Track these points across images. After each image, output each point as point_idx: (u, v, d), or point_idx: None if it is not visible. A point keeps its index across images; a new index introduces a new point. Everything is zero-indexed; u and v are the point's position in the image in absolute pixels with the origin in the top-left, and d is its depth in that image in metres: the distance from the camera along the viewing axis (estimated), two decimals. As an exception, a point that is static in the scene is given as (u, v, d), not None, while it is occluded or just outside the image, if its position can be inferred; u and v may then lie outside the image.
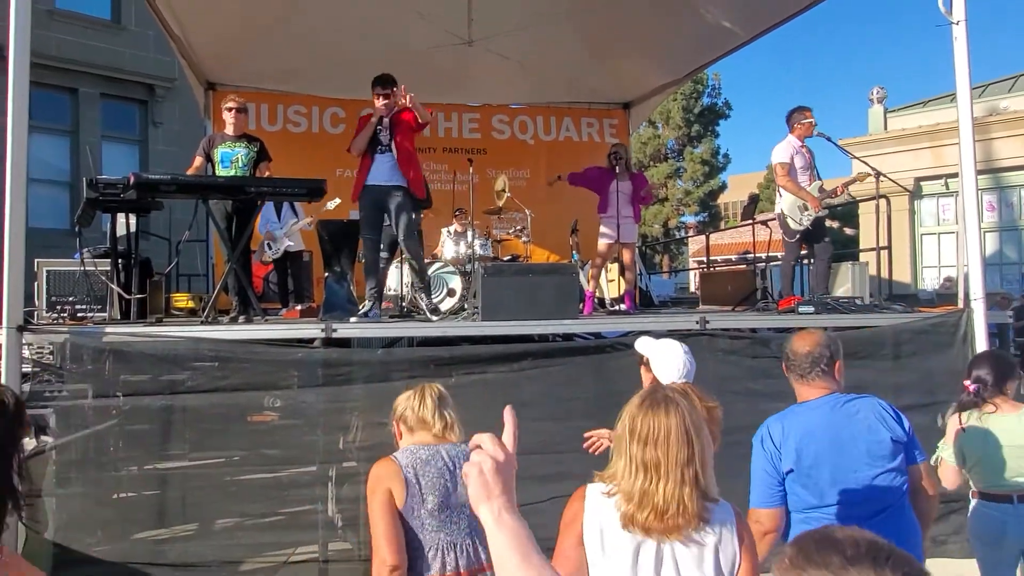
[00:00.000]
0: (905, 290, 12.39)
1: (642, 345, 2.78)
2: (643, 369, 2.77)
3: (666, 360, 2.65)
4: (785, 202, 6.03)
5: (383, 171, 5.38)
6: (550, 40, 7.85)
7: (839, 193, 6.28)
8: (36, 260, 5.30)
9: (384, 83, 5.38)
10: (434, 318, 5.27)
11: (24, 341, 3.87)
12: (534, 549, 1.08)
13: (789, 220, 6.01)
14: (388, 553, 2.30)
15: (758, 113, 76.65)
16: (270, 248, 6.89)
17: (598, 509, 1.82)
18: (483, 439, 1.15)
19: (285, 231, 6.88)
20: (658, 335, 5.17)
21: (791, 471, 2.53)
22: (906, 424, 2.58)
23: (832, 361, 2.63)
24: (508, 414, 1.21)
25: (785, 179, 5.96)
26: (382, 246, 5.63)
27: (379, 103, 5.37)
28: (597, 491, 1.85)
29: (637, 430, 1.78)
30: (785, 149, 6.03)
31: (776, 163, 6.06)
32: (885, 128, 14.13)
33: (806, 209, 5.90)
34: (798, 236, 5.99)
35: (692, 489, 1.73)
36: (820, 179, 6.16)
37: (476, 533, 2.44)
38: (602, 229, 6.69)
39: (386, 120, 5.43)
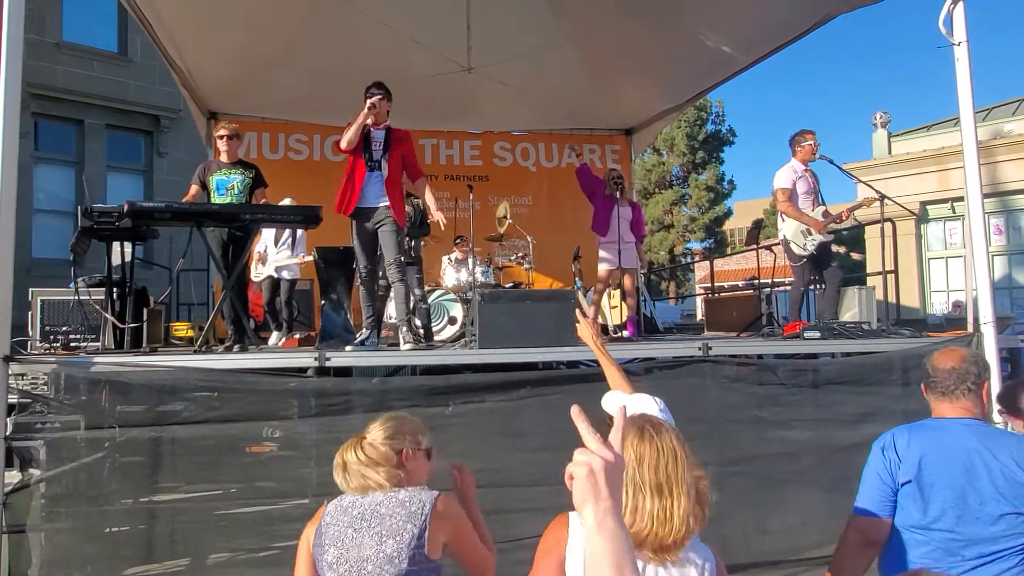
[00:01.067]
0: (913, 315, 12.24)
1: (610, 401, 2.39)
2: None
3: (641, 404, 2.33)
4: (788, 227, 5.96)
5: (373, 191, 5.20)
6: (550, 66, 7.87)
7: (844, 219, 6.21)
8: (31, 289, 5.25)
9: (379, 86, 5.24)
10: (404, 347, 5.09)
11: (15, 371, 3.80)
12: (629, 562, 1.03)
13: (792, 245, 5.94)
14: None
15: (763, 140, 77.02)
16: (255, 268, 6.92)
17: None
18: (589, 439, 1.09)
19: (274, 262, 6.91)
20: (660, 361, 5.12)
21: (908, 482, 2.36)
22: None
23: (980, 381, 2.47)
24: (578, 416, 1.13)
25: (786, 204, 5.90)
26: (381, 272, 5.55)
27: (369, 100, 5.14)
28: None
29: (639, 456, 1.74)
30: (786, 174, 5.97)
31: (777, 188, 6.00)
32: (889, 152, 14.11)
33: (810, 234, 5.82)
34: (804, 261, 5.90)
35: (696, 507, 1.71)
36: (825, 204, 6.09)
37: None
38: (602, 254, 6.64)
39: (380, 133, 5.27)
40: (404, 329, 5.19)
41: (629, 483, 1.73)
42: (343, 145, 5.15)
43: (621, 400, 2.54)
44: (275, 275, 6.97)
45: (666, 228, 29.86)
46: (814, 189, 6.05)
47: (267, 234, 7.08)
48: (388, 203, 5.17)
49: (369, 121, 5.15)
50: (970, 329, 4.92)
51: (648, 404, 2.46)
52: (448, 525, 2.14)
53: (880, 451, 2.47)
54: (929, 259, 13.68)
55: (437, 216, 5.36)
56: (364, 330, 5.24)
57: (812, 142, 6.01)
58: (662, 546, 1.68)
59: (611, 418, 2.51)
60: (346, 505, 2.16)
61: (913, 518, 2.36)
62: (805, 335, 5.22)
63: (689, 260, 30.29)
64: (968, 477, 2.31)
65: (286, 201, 6.85)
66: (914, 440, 2.41)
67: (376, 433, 2.26)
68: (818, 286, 6.22)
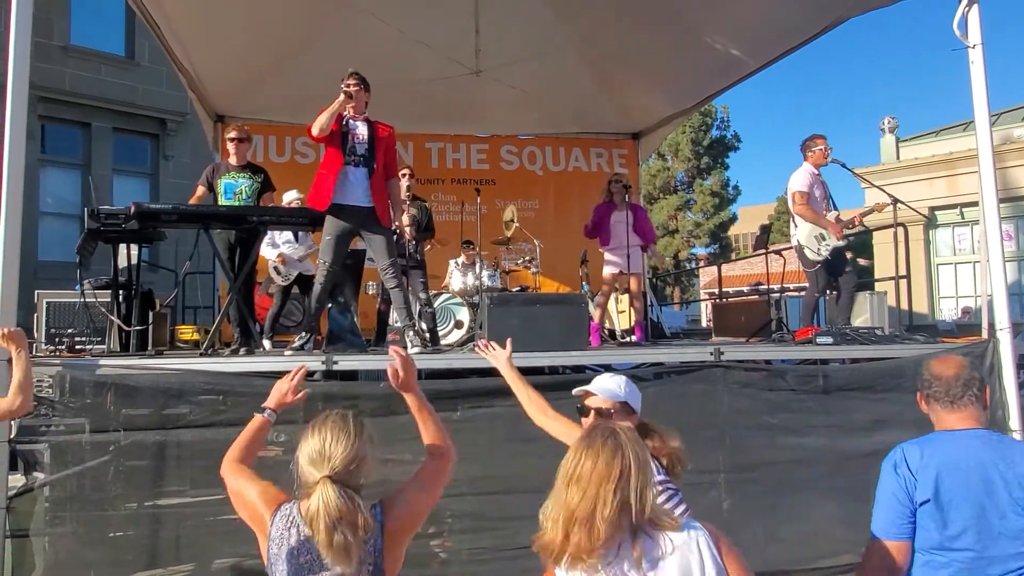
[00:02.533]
0: (922, 321, 12.17)
1: (577, 391, 2.65)
2: (583, 420, 2.61)
3: (601, 382, 2.59)
4: (802, 232, 5.87)
5: (357, 189, 4.91)
6: (558, 70, 7.84)
7: (857, 224, 6.15)
8: (36, 292, 5.23)
9: (356, 75, 4.97)
10: (412, 351, 4.95)
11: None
12: None
13: (807, 251, 5.85)
14: None
15: (768, 145, 76.89)
16: (279, 273, 6.59)
17: None
18: None
19: (299, 256, 6.72)
20: (669, 366, 5.07)
21: (926, 502, 2.25)
22: None
23: (983, 387, 2.40)
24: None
25: (804, 207, 5.79)
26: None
27: (345, 89, 4.88)
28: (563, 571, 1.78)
29: (568, 470, 1.78)
30: (803, 177, 5.88)
31: (795, 191, 5.90)
32: (897, 157, 14.05)
33: (824, 239, 5.75)
34: (818, 266, 5.82)
35: (615, 510, 1.69)
36: (837, 209, 6.03)
37: None
38: (608, 257, 6.59)
39: (362, 127, 5.01)
40: (411, 333, 5.09)
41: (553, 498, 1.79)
42: (315, 131, 4.81)
43: (612, 382, 2.59)
44: (305, 272, 6.62)
45: (671, 233, 29.81)
46: (826, 194, 5.99)
47: (275, 238, 6.90)
48: (374, 205, 4.94)
49: (347, 112, 4.93)
50: (985, 335, 4.86)
51: (610, 381, 2.60)
52: (404, 535, 2.02)
53: (892, 470, 2.35)
54: (938, 265, 13.59)
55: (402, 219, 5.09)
56: (303, 334, 4.95)
57: (823, 147, 5.94)
58: (591, 544, 1.69)
59: (581, 405, 2.63)
60: (294, 545, 1.92)
61: (933, 539, 2.26)
62: (817, 340, 5.17)
63: (694, 265, 30.21)
64: (987, 492, 2.23)
65: (292, 193, 6.74)
66: (927, 456, 2.30)
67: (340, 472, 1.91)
68: (830, 292, 6.15)
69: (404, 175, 6.24)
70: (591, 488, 1.72)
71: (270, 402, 2.47)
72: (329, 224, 4.94)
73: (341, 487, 1.86)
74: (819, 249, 5.76)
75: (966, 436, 2.33)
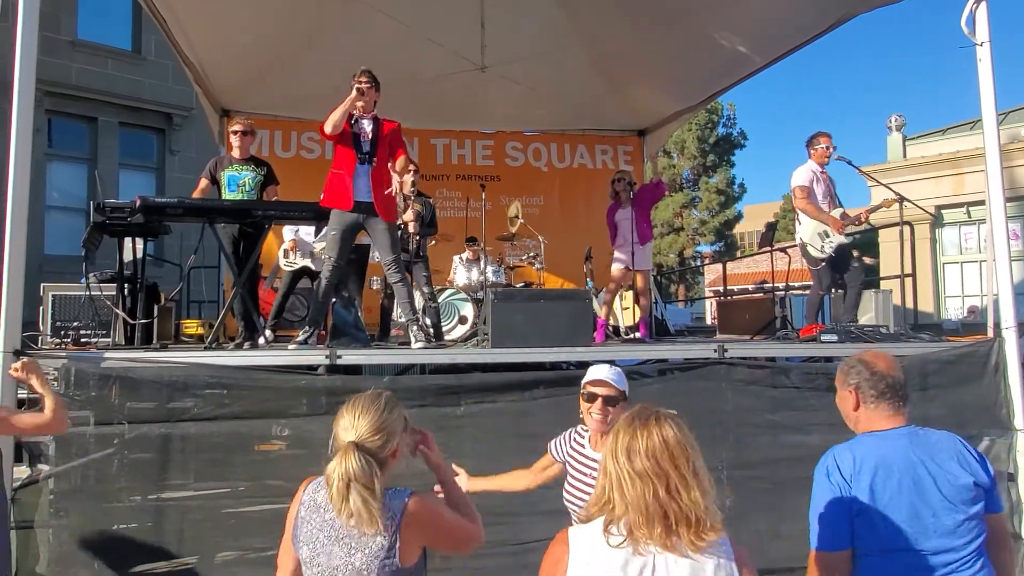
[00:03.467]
0: (928, 320, 12.13)
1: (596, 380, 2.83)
2: (585, 406, 2.83)
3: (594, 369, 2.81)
4: (805, 230, 5.88)
5: (362, 184, 4.92)
6: (564, 66, 7.82)
7: (863, 220, 6.13)
8: (42, 285, 5.25)
9: (368, 73, 5.00)
10: (416, 345, 4.97)
11: (23, 366, 3.79)
12: None
13: (810, 248, 5.86)
14: None
15: (774, 143, 76.70)
16: (285, 256, 6.52)
17: (585, 548, 1.74)
18: None
19: (312, 249, 6.56)
20: (673, 363, 5.06)
21: (863, 509, 2.22)
22: (990, 469, 2.32)
23: (907, 387, 2.38)
24: None
25: (804, 202, 5.83)
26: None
27: (358, 86, 4.90)
28: (583, 532, 1.77)
29: (634, 447, 1.73)
30: (804, 173, 5.92)
31: (795, 186, 5.94)
32: (904, 156, 13.97)
33: (827, 236, 5.75)
34: (822, 264, 5.82)
35: (705, 496, 1.69)
36: (842, 206, 6.01)
37: None
38: (616, 254, 6.62)
39: (369, 124, 5.02)
40: (415, 328, 5.09)
41: (622, 477, 1.72)
42: (328, 129, 4.86)
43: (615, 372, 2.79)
44: (313, 266, 6.52)
45: (676, 231, 29.76)
46: (831, 191, 5.99)
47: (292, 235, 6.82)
48: (374, 199, 4.94)
49: (356, 111, 4.95)
50: (990, 333, 4.84)
51: (601, 369, 2.78)
52: (422, 531, 2.05)
53: (825, 477, 2.30)
54: (944, 264, 13.53)
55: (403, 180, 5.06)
56: (306, 328, 4.95)
57: (826, 144, 5.96)
58: (670, 539, 1.66)
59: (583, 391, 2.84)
60: (320, 503, 2.06)
61: (874, 543, 2.23)
62: (822, 338, 5.15)
63: (699, 263, 30.15)
64: (918, 491, 2.23)
65: None
66: (859, 459, 2.26)
67: (366, 432, 2.04)
68: (836, 290, 6.13)
69: (409, 171, 6.23)
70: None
71: None
72: (335, 219, 4.94)
73: (364, 453, 1.97)
74: (823, 247, 5.76)
75: (895, 436, 2.30)
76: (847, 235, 5.85)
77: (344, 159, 4.97)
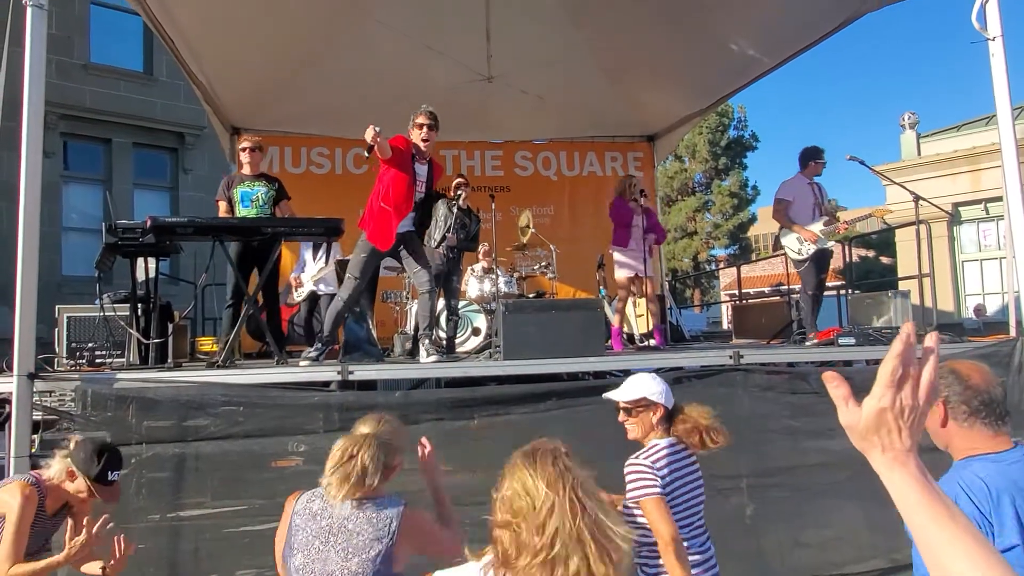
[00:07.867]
0: (948, 319, 11.95)
1: (621, 390, 2.84)
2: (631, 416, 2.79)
3: (637, 381, 2.75)
4: (784, 235, 6.26)
5: (406, 223, 5.05)
6: (571, 74, 7.81)
7: (841, 231, 6.17)
8: (57, 306, 5.29)
9: (434, 116, 5.12)
10: (429, 360, 4.92)
11: (40, 389, 3.81)
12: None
13: (788, 251, 6.18)
14: None
15: (787, 144, 76.20)
16: (291, 290, 6.83)
17: None
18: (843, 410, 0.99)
19: (311, 276, 6.82)
20: (689, 371, 5.01)
21: (1016, 546, 1.75)
22: None
23: (1006, 404, 2.02)
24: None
25: (778, 214, 6.25)
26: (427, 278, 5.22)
27: (423, 133, 5.05)
28: None
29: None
30: (786, 188, 6.28)
31: (775, 199, 6.32)
32: (918, 153, 13.84)
33: (802, 241, 6.05)
34: (807, 263, 6.06)
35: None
36: (831, 215, 6.16)
37: None
38: (621, 260, 6.48)
39: (424, 169, 5.13)
40: (426, 341, 5.03)
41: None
42: (381, 155, 4.81)
43: (637, 382, 2.59)
44: (315, 289, 6.82)
45: (689, 235, 29.57)
46: (818, 202, 6.19)
47: (305, 254, 7.03)
48: (416, 228, 5.19)
49: (416, 151, 5.06)
50: (1012, 333, 4.75)
51: (646, 382, 2.72)
52: (414, 540, 2.18)
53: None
54: (963, 262, 13.35)
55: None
56: (318, 344, 4.92)
57: (815, 163, 6.24)
58: None
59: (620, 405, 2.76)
60: (315, 511, 2.16)
61: None
62: (840, 342, 5.08)
63: (714, 267, 29.97)
64: None
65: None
66: (993, 488, 1.83)
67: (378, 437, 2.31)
68: (852, 291, 6.11)
69: (459, 183, 6.71)
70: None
71: None
72: (369, 248, 4.93)
73: (378, 443, 2.19)
74: (800, 249, 6.06)
75: (1010, 458, 1.92)
76: (838, 241, 6.04)
77: (398, 197, 4.92)
